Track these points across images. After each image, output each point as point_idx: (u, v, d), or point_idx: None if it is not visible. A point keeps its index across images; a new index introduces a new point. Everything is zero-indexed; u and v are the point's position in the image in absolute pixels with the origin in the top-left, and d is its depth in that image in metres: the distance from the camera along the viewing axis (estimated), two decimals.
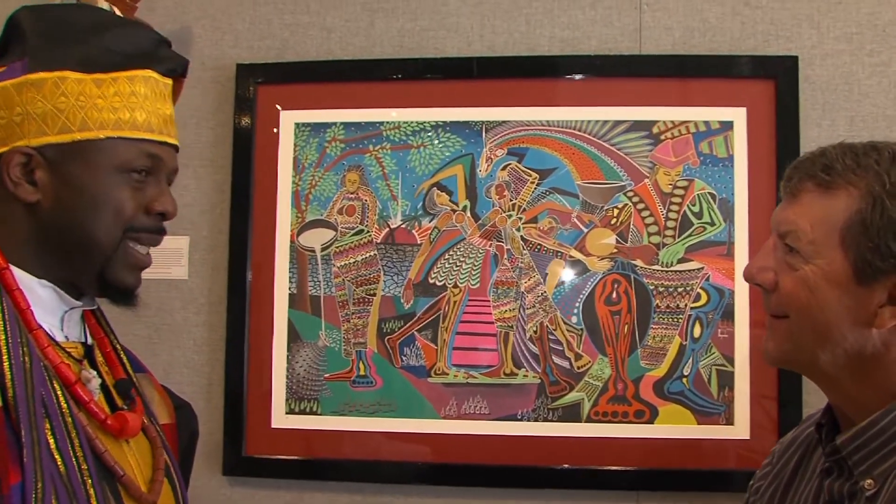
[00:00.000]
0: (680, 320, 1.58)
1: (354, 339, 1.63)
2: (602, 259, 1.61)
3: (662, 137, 1.62)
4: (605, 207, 1.61)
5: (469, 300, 1.62)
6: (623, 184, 1.62)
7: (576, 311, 1.60)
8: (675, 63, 1.62)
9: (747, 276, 0.93)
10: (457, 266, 1.63)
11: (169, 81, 0.92)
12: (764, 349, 0.94)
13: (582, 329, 1.60)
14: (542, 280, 1.61)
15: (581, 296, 1.60)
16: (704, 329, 1.58)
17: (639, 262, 1.60)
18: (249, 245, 1.68)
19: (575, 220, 1.62)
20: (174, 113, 0.92)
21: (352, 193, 1.66)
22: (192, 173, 1.73)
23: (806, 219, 0.86)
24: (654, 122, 1.63)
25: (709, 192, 1.61)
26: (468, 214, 1.64)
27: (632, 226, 1.60)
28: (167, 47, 0.94)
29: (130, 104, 0.87)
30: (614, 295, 1.60)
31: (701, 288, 1.59)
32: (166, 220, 0.92)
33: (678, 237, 1.60)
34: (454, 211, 1.64)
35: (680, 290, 1.59)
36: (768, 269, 0.90)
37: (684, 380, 1.58)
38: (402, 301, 1.63)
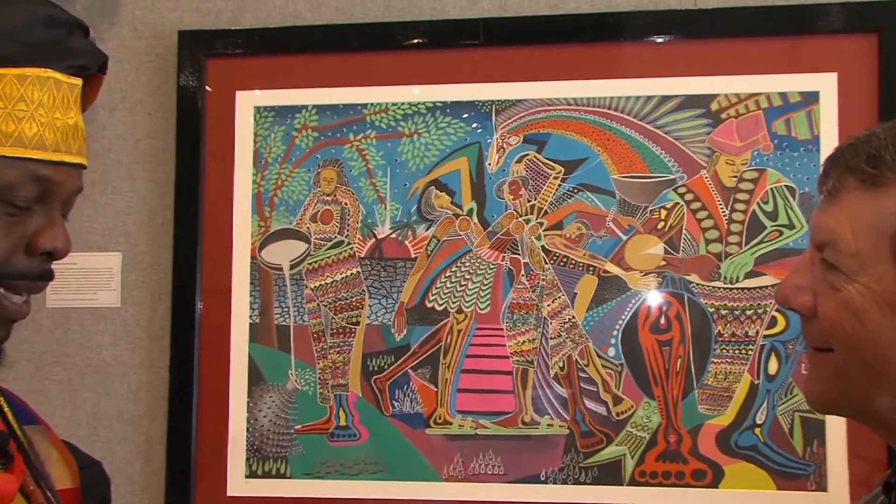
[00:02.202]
0: (750, 352, 1.49)
1: (333, 381, 1.56)
2: (646, 274, 1.52)
3: (724, 116, 1.53)
4: (650, 208, 1.53)
5: (477, 329, 1.55)
6: (672, 177, 1.53)
7: (613, 341, 1.52)
8: (739, 18, 1.53)
9: (780, 299, 0.89)
10: (461, 286, 1.55)
11: (77, 82, 0.88)
12: (805, 391, 0.92)
13: (622, 364, 1.51)
14: (569, 302, 1.53)
15: (620, 322, 1.53)
16: (783, 364, 1.49)
17: (694, 278, 1.51)
18: (199, 263, 1.61)
19: (611, 224, 1.54)
20: (82, 122, 0.88)
21: (328, 195, 1.60)
22: (125, 172, 1.67)
23: (847, 225, 0.82)
24: (712, 97, 1.53)
25: (786, 186, 1.51)
26: (475, 220, 1.57)
27: (684, 231, 1.52)
28: (81, 35, 0.89)
29: (17, 113, 0.82)
30: (663, 320, 1.51)
31: (777, 310, 1.49)
32: (56, 260, 0.88)
33: (745, 245, 1.51)
34: (457, 216, 1.58)
35: (749, 312, 1.50)
36: (805, 290, 0.87)
37: (757, 430, 1.49)
38: (392, 331, 1.57)
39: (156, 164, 1.67)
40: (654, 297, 1.52)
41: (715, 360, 1.50)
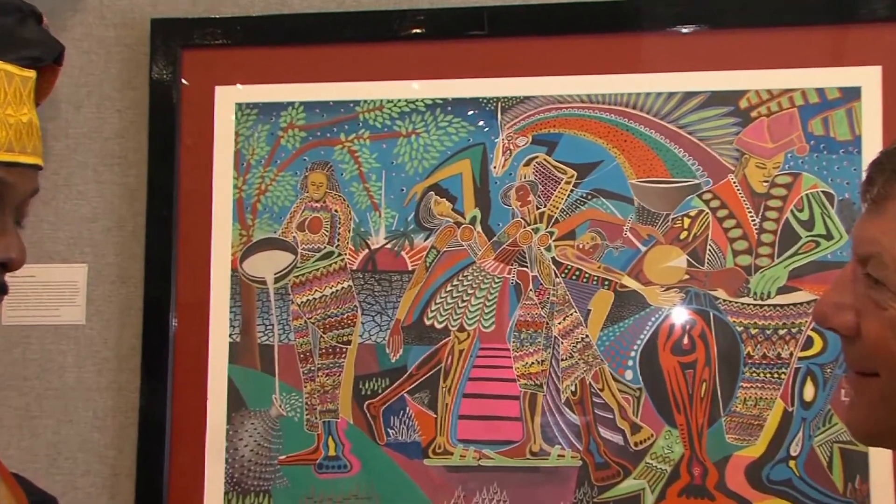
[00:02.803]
0: (783, 376, 1.46)
1: (321, 406, 1.54)
2: (668, 289, 1.50)
3: (754, 114, 1.51)
4: (672, 216, 1.51)
5: (480, 349, 1.53)
6: (697, 182, 1.51)
7: (631, 363, 1.50)
8: (772, 6, 1.51)
9: (818, 318, 0.89)
10: (463, 301, 1.53)
11: (31, 75, 0.88)
12: (846, 420, 0.94)
13: (640, 389, 1.49)
14: (582, 320, 1.51)
15: (638, 342, 1.50)
16: (820, 389, 1.45)
17: (721, 294, 1.49)
18: (173, 275, 1.59)
19: (628, 234, 1.52)
20: (37, 118, 0.88)
21: (317, 202, 1.58)
22: (91, 175, 1.63)
23: (894, 237, 0.82)
24: (741, 94, 1.51)
25: (823, 192, 1.48)
26: (478, 229, 1.55)
27: (710, 242, 1.50)
28: (34, 22, 0.89)
29: None
30: (686, 340, 1.48)
31: (813, 330, 1.46)
32: (10, 272, 0.88)
33: (778, 257, 1.48)
34: (459, 224, 1.56)
35: (782, 332, 1.47)
36: (846, 308, 0.87)
37: (792, 463, 1.45)
38: (387, 351, 1.54)
39: (126, 165, 1.64)
40: (676, 315, 1.49)
41: (744, 385, 1.46)
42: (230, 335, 1.57)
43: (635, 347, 1.49)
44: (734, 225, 1.48)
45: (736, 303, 1.47)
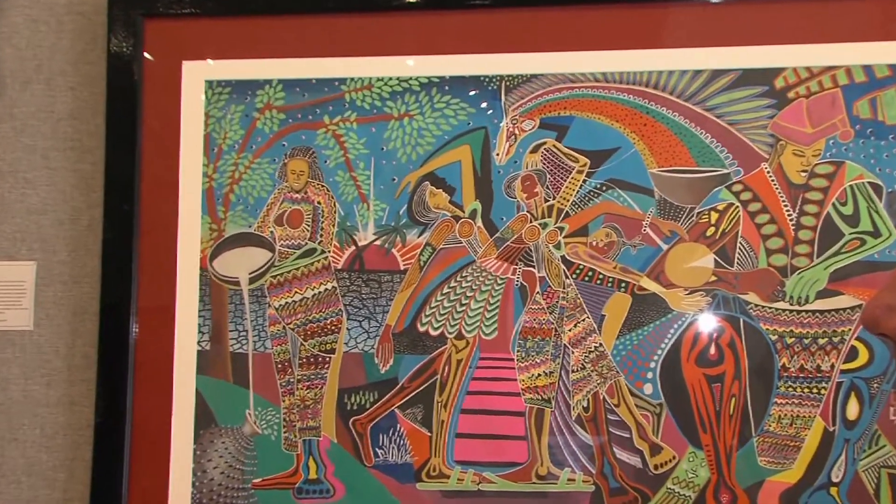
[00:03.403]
0: (823, 391, 1.41)
1: (301, 423, 1.50)
2: (692, 292, 1.45)
3: (791, 95, 1.46)
4: (698, 210, 1.45)
5: (481, 359, 1.48)
6: (726, 172, 1.46)
7: (651, 375, 1.44)
8: None
9: (868, 323, 0.87)
10: (462, 305, 1.49)
11: None
12: None
13: (661, 405, 1.44)
14: (595, 327, 1.46)
15: (659, 351, 1.45)
16: (865, 406, 1.41)
17: (752, 298, 1.44)
18: (134, 275, 1.54)
19: (648, 230, 1.47)
20: None
21: (297, 192, 1.54)
22: (40, 161, 1.59)
23: None
24: (777, 71, 1.47)
25: (870, 183, 1.44)
26: (479, 223, 1.51)
27: (740, 239, 1.45)
28: None
29: None
30: (713, 350, 1.43)
31: (858, 339, 1.41)
32: None
33: (818, 257, 1.43)
34: (457, 219, 1.51)
35: (822, 341, 1.42)
36: None
37: (833, 490, 1.40)
38: (376, 361, 1.49)
39: (80, 151, 1.59)
40: (701, 321, 1.44)
41: (778, 401, 1.42)
42: (198, 342, 1.52)
43: (655, 358, 1.44)
44: (768, 220, 1.44)
45: (769, 308, 1.42)
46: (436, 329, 1.48)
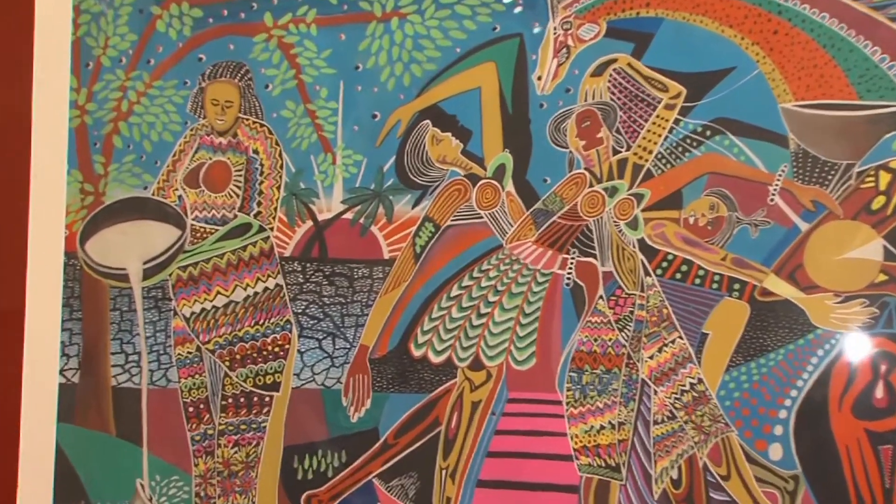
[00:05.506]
0: None
1: (225, 499, 1.29)
2: (847, 299, 1.22)
3: None
4: (859, 169, 1.20)
5: (509, 401, 1.23)
6: None
7: (780, 430, 1.18)
8: None
9: None
10: (480, 317, 1.25)
11: None
12: None
13: (795, 477, 1.18)
14: (692, 353, 1.21)
15: (794, 392, 1.19)
16: None
17: None
18: None
19: (777, 200, 1.21)
20: None
21: (221, 135, 1.31)
22: None
23: None
24: None
25: None
26: (509, 187, 1.26)
27: None
28: None
29: None
30: (879, 392, 1.19)
31: None
32: None
33: None
34: (474, 179, 1.27)
35: None
36: None
37: None
38: (343, 403, 1.26)
39: None
40: (860, 346, 1.19)
41: None
42: (61, 371, 1.29)
43: (787, 403, 1.19)
44: None
45: None
46: (438, 353, 1.24)
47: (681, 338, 1.23)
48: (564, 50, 1.26)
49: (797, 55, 1.24)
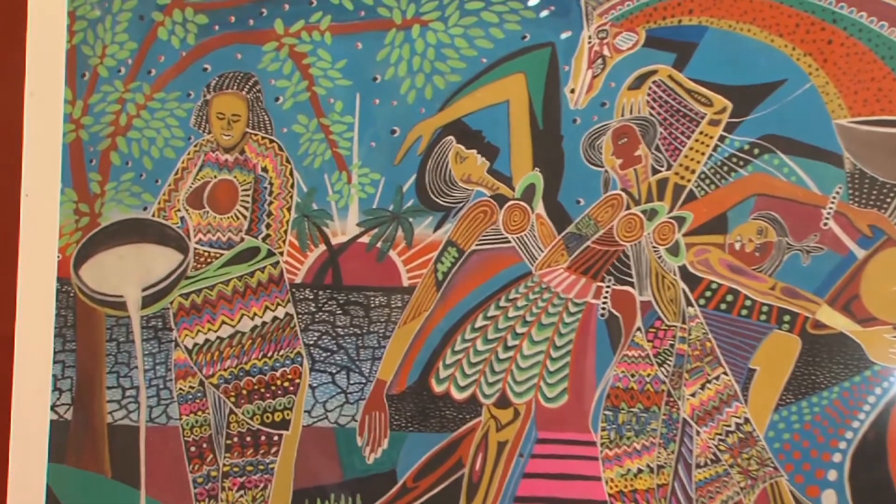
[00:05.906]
0: None
1: None
2: None
3: None
4: None
5: (539, 442, 1.19)
6: None
7: (834, 475, 1.15)
8: None
9: None
10: (507, 350, 1.22)
11: None
12: None
13: None
14: (738, 391, 1.18)
15: (850, 434, 1.15)
16: None
17: None
18: None
19: (832, 224, 1.17)
20: None
21: (228, 151, 1.27)
22: None
23: None
24: None
25: None
26: (539, 209, 1.22)
27: None
28: None
29: None
30: None
31: None
32: None
33: None
34: (502, 201, 1.23)
35: None
36: None
37: None
38: (359, 444, 1.22)
39: None
40: None
41: None
42: (53, 406, 1.22)
43: (842, 446, 1.14)
44: None
45: None
46: (462, 389, 1.19)
47: (725, 374, 1.18)
48: (600, 60, 1.21)
49: (853, 67, 1.19)
